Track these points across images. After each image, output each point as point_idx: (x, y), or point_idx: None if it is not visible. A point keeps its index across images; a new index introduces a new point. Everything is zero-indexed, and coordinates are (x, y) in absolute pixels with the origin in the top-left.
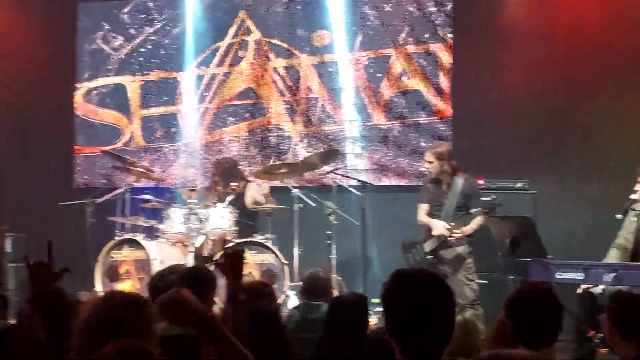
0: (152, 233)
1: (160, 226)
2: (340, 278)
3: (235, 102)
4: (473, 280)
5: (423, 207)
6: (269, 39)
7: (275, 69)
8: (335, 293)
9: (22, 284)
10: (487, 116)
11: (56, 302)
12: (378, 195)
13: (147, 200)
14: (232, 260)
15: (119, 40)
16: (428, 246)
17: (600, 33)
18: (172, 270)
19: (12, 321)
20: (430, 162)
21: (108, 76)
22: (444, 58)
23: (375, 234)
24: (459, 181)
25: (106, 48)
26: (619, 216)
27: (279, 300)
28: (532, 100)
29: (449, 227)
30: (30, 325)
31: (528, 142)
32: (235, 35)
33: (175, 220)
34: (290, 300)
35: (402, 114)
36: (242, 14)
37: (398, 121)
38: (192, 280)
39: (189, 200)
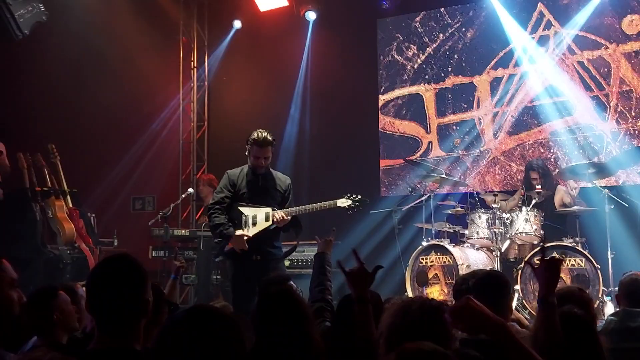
0: (457, 238)
1: (465, 231)
2: None
3: (537, 103)
4: None
5: None
6: (572, 31)
7: (581, 63)
8: None
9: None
10: None
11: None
12: None
13: (451, 207)
14: (548, 265)
15: (413, 49)
16: None
17: None
18: (473, 274)
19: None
20: None
21: (403, 87)
22: None
23: None
24: None
25: (400, 59)
26: None
27: (594, 306)
28: None
29: None
30: (360, 322)
31: None
32: (534, 30)
33: (480, 225)
34: (606, 306)
35: None
36: (540, 7)
37: None
38: (487, 284)
39: (492, 205)
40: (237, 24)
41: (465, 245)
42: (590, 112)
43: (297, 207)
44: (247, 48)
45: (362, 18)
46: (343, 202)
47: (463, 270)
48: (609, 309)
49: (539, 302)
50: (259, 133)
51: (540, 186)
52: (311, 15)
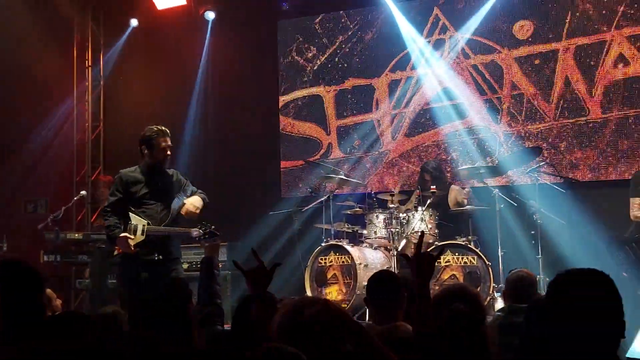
0: (355, 238)
1: (363, 231)
2: (548, 279)
3: (433, 105)
4: None
5: (637, 202)
6: (467, 35)
7: (475, 67)
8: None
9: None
10: None
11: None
12: (586, 192)
13: (350, 207)
14: (423, 260)
15: (312, 51)
16: None
17: None
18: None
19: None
20: None
21: (304, 88)
22: None
23: (582, 232)
24: None
25: (300, 60)
26: None
27: (485, 303)
28: None
29: None
30: (258, 322)
31: None
32: (430, 34)
33: (377, 225)
34: (496, 302)
35: (620, 105)
36: (436, 12)
37: (615, 113)
38: (376, 284)
39: (389, 205)
40: (134, 22)
41: (364, 245)
42: (483, 114)
43: (157, 227)
44: (144, 47)
45: (261, 18)
46: (196, 232)
47: (361, 270)
48: (499, 304)
49: (414, 295)
50: (156, 126)
51: (434, 186)
52: (210, 15)
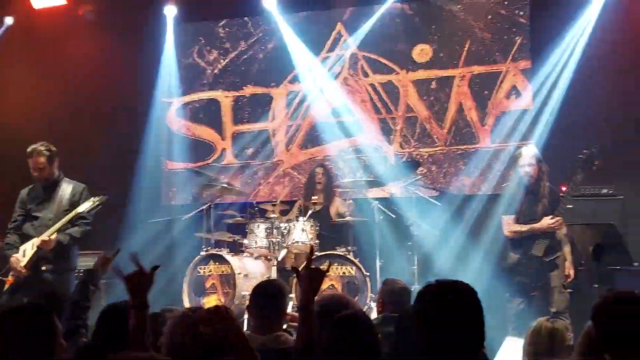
0: (236, 248)
1: (244, 241)
2: None
3: (329, 120)
4: (567, 289)
5: (509, 219)
6: (367, 54)
7: (372, 85)
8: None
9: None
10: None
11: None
12: (461, 204)
13: (231, 216)
14: (313, 274)
15: (214, 54)
16: (539, 251)
17: None
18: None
19: None
20: (531, 165)
21: (202, 91)
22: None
23: (455, 243)
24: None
25: (201, 62)
26: None
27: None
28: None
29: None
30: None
31: (612, 147)
32: (332, 49)
33: (258, 234)
34: (372, 312)
35: (506, 137)
36: (339, 27)
37: (504, 144)
38: (260, 294)
39: (270, 215)
40: (9, 20)
41: (244, 254)
42: (377, 133)
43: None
44: (22, 47)
45: (147, 19)
46: (82, 207)
47: (240, 280)
48: (375, 314)
49: (299, 308)
50: (32, 145)
51: (315, 197)
52: (91, 16)
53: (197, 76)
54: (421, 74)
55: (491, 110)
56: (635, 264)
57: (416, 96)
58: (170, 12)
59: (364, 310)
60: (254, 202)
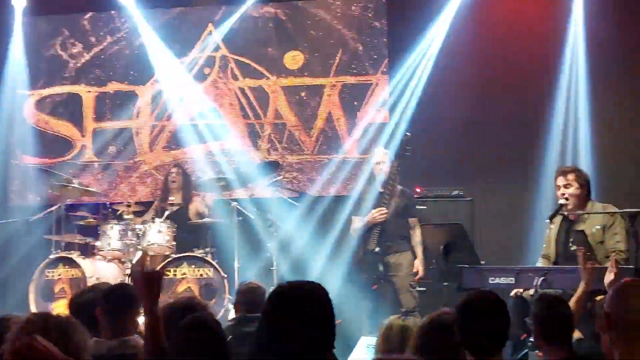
0: (88, 250)
1: (96, 243)
2: None
3: (195, 122)
4: (415, 287)
5: (357, 219)
6: (238, 57)
7: (242, 89)
8: None
9: None
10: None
11: None
12: (320, 205)
13: (83, 217)
14: (148, 279)
15: (78, 47)
16: (373, 244)
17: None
18: (93, 288)
19: None
20: (385, 162)
21: (64, 84)
22: None
23: (315, 244)
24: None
25: (64, 55)
26: (547, 221)
27: (219, 315)
28: (467, 111)
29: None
30: None
31: (463, 151)
32: (202, 49)
33: (112, 236)
34: (230, 313)
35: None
36: (210, 28)
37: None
38: (113, 298)
39: (125, 216)
40: None
41: (97, 257)
42: (244, 138)
43: None
44: None
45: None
46: None
47: (92, 284)
48: (232, 315)
49: (146, 313)
50: None
51: (175, 184)
52: None
53: (59, 69)
54: (292, 81)
55: (359, 121)
56: (482, 262)
57: (285, 103)
58: (18, 3)
59: (222, 312)
60: (108, 202)
